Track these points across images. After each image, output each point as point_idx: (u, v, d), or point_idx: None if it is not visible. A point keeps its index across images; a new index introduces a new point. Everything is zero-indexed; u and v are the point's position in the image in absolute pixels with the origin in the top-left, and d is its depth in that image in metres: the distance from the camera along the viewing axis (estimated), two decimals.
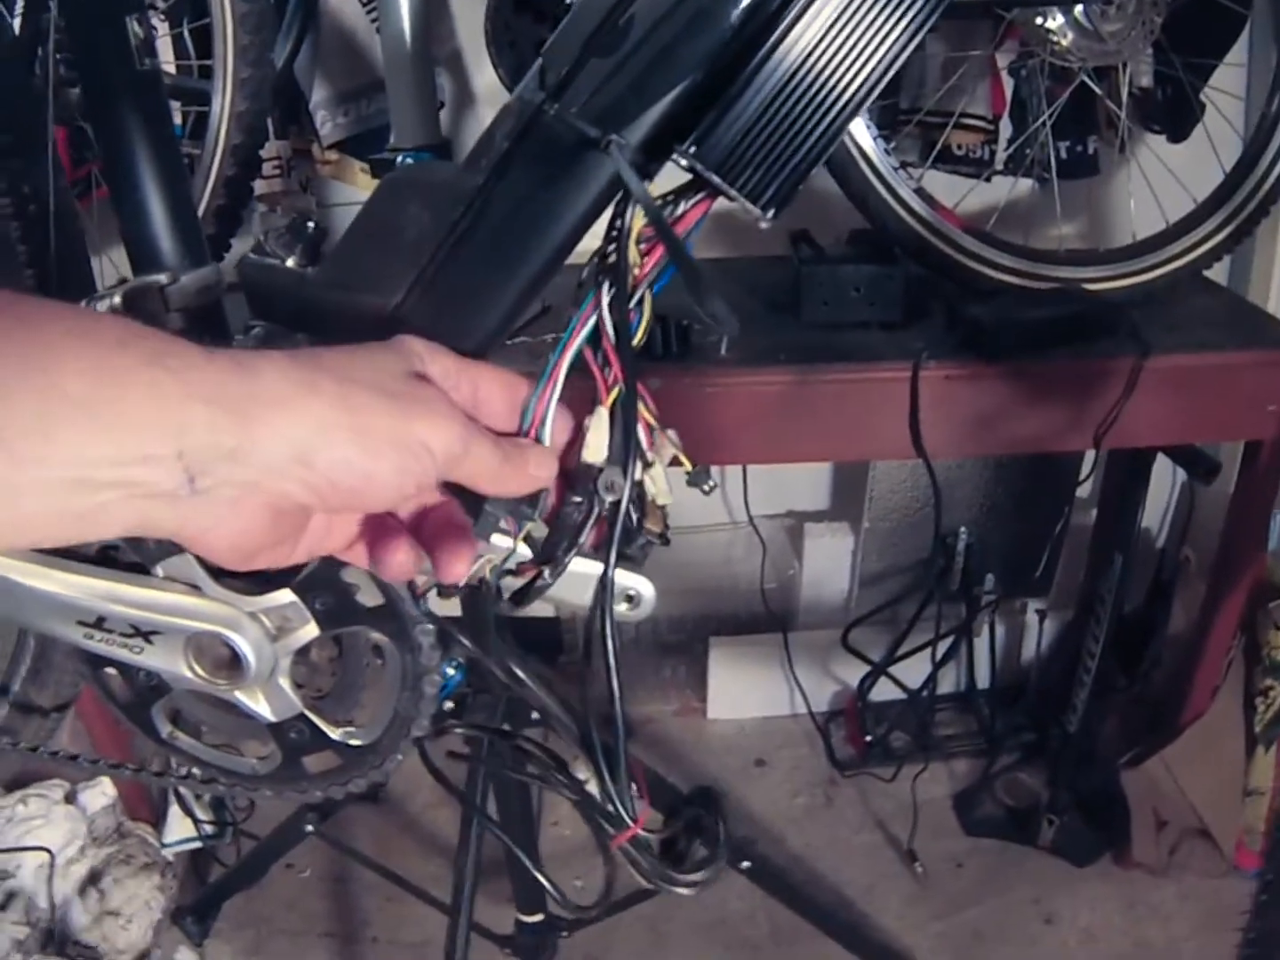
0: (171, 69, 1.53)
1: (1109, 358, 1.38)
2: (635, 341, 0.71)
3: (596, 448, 0.71)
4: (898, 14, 0.67)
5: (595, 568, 0.70)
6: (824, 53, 0.66)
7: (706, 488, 0.76)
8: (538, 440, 0.68)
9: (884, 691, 1.98)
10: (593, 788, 0.75)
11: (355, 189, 1.74)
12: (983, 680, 1.98)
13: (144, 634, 0.76)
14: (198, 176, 1.43)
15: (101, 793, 1.85)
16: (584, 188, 0.69)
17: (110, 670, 0.86)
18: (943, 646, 1.89)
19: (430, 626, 0.75)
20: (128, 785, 1.84)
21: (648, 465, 0.71)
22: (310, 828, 1.57)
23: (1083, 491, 1.85)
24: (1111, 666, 1.73)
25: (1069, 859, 1.76)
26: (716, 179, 0.67)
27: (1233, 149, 1.48)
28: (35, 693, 0.99)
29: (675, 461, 0.74)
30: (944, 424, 1.40)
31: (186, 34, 1.51)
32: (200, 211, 1.42)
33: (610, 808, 0.73)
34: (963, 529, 1.86)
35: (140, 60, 0.77)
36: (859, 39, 0.66)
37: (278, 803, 1.83)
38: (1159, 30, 1.34)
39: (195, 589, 0.77)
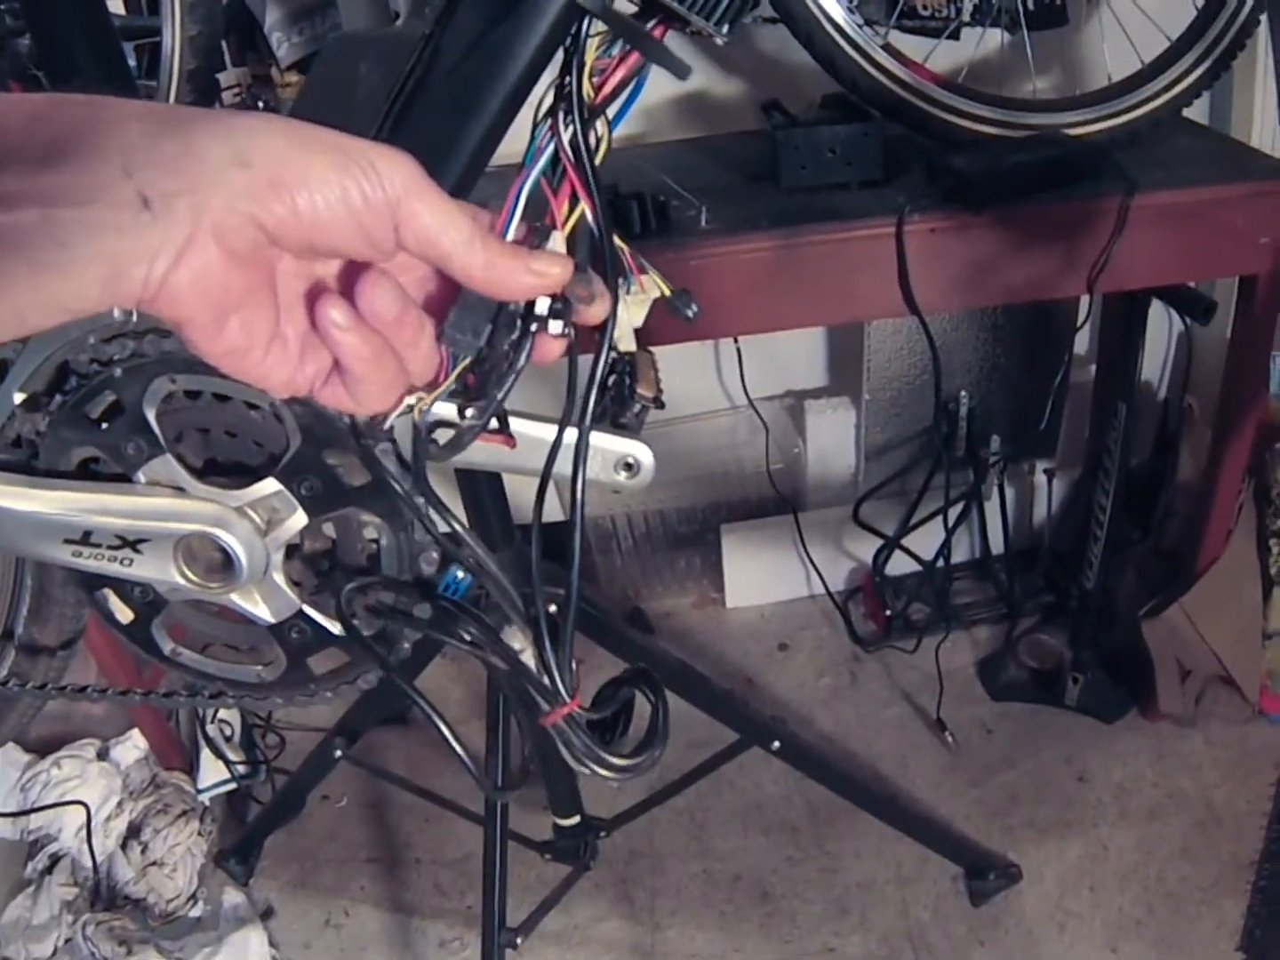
0: (120, 8, 1.48)
1: (1096, 198, 1.33)
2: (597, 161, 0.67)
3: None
4: None
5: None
6: None
7: (690, 313, 0.72)
8: None
9: (899, 565, 1.95)
10: (528, 658, 0.68)
11: None
12: (997, 545, 1.95)
13: (132, 543, 0.73)
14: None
15: (133, 746, 1.84)
16: (535, 21, 0.65)
17: (108, 592, 0.83)
18: (954, 514, 1.86)
19: (420, 500, 0.71)
20: (157, 736, 1.83)
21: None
22: (339, 753, 1.55)
23: (1081, 346, 1.81)
24: (1124, 520, 1.69)
25: (1097, 716, 1.75)
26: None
27: None
28: (39, 632, 0.96)
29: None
30: (934, 278, 1.36)
31: None
32: None
33: (546, 681, 0.65)
34: (963, 393, 1.82)
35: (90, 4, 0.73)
36: None
37: (307, 735, 1.85)
38: None
39: (179, 490, 0.73)
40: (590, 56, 0.66)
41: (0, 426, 0.76)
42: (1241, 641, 1.63)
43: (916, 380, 1.88)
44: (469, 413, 0.57)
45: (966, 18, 1.52)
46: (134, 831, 1.75)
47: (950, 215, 1.33)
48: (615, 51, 0.66)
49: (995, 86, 1.50)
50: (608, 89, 0.67)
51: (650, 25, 0.66)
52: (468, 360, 0.56)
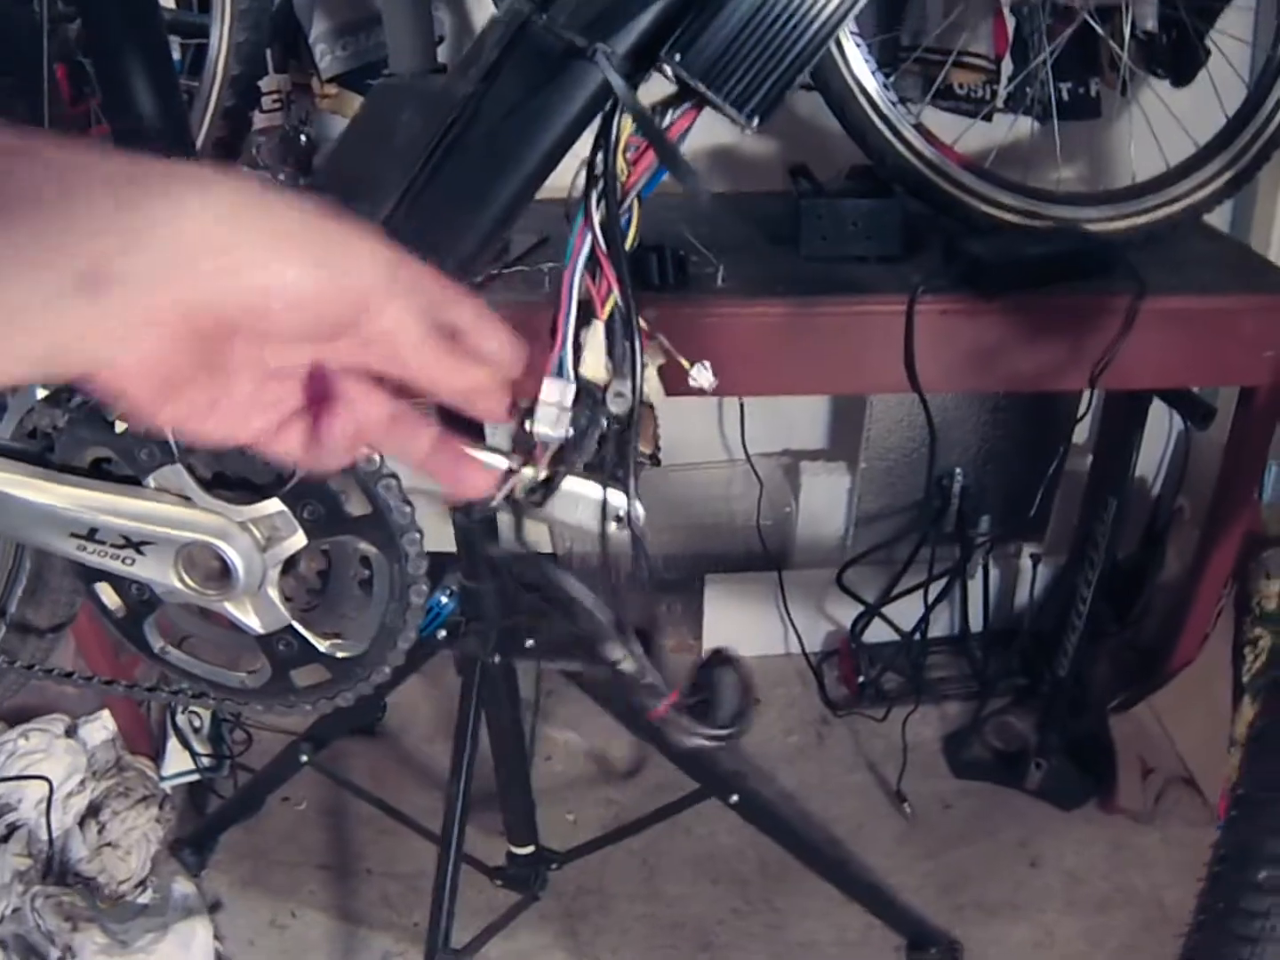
0: (170, 3, 1.53)
1: (1106, 295, 1.37)
2: (627, 245, 0.73)
3: (595, 364, 0.74)
4: None
5: (588, 487, 0.74)
6: None
7: (708, 385, 0.79)
8: (559, 372, 0.72)
9: (877, 632, 1.99)
10: (628, 666, 0.82)
11: None
12: (976, 623, 1.99)
13: (135, 545, 0.77)
14: (196, 108, 1.42)
15: (102, 727, 1.87)
16: (571, 96, 0.70)
17: (104, 585, 0.87)
18: (937, 588, 1.90)
19: (417, 535, 0.76)
20: (127, 720, 1.86)
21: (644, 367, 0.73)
22: (305, 758, 1.59)
23: (1079, 437, 1.85)
24: (1104, 611, 1.74)
25: (1055, 803, 1.78)
26: (701, 86, 0.68)
27: (1236, 93, 1.47)
28: (32, 613, 1.00)
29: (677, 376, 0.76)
30: (939, 359, 1.40)
31: None
32: (199, 143, 1.42)
33: (648, 682, 0.82)
34: (958, 470, 1.87)
35: None
36: None
37: (275, 736, 1.88)
38: None
39: (185, 500, 0.77)
40: (625, 132, 0.71)
41: (20, 418, 0.80)
42: (1207, 745, 1.67)
43: (913, 453, 1.93)
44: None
45: (1000, 103, 1.58)
46: (93, 811, 1.78)
47: (962, 299, 1.37)
48: (665, 121, 0.71)
49: (1021, 171, 1.55)
50: (641, 170, 0.72)
51: (683, 108, 0.71)
52: (555, 447, 0.73)
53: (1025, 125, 1.59)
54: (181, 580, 0.78)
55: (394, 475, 0.74)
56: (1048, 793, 1.78)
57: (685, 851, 1.77)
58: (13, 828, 1.78)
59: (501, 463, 0.77)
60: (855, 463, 1.95)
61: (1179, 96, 1.54)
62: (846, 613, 2.00)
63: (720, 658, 0.93)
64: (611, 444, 0.79)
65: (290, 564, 0.80)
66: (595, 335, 0.74)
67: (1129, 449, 1.59)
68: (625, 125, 0.71)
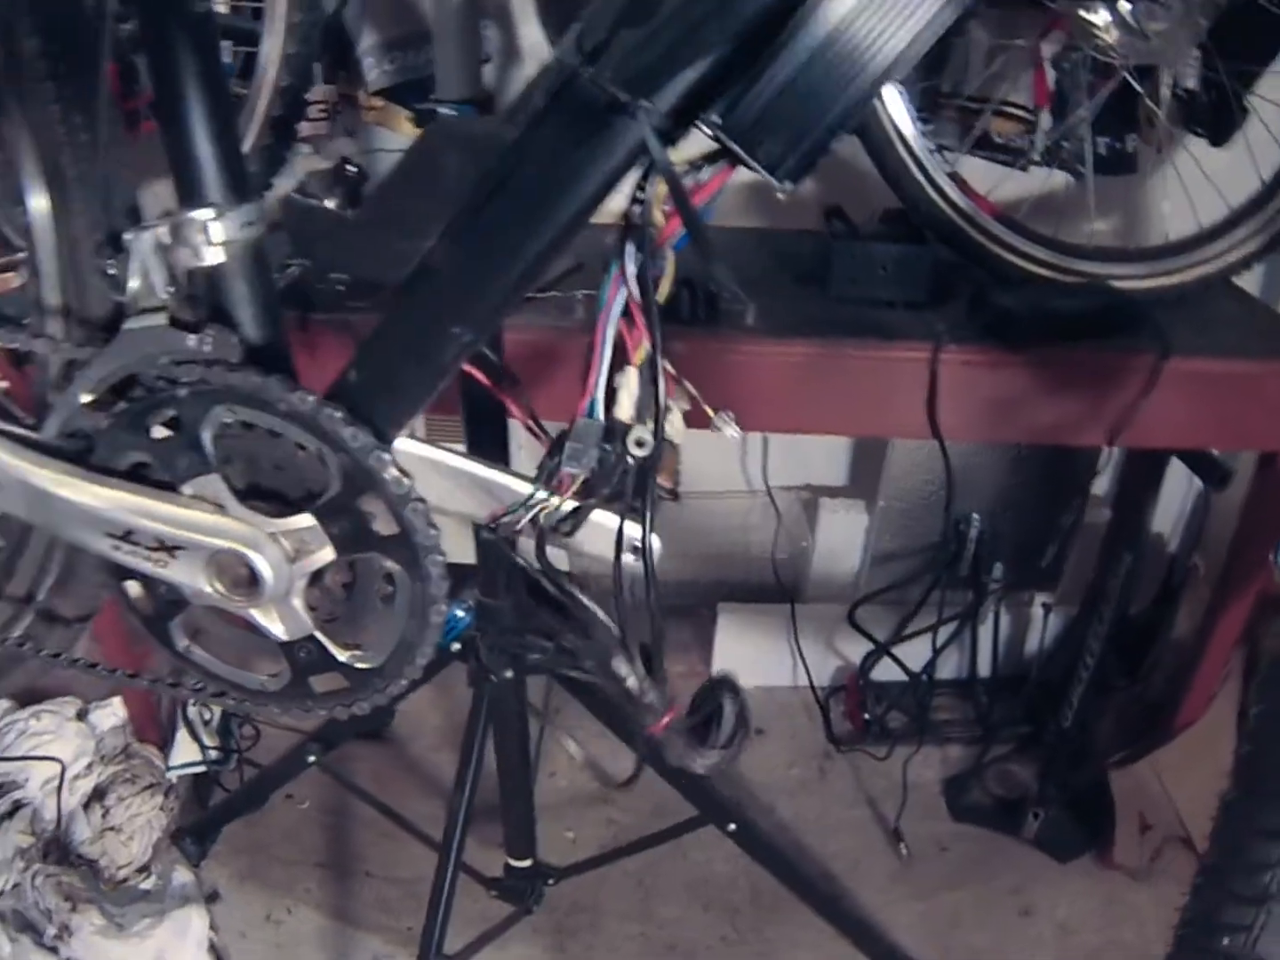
0: (223, 9, 1.57)
1: (1130, 354, 1.40)
2: (659, 298, 0.78)
3: (627, 405, 0.79)
4: None
5: (609, 518, 0.78)
6: (851, 30, 0.68)
7: (733, 433, 0.84)
8: (591, 413, 0.78)
9: (886, 671, 2.02)
10: (632, 683, 0.88)
11: (399, 135, 1.79)
12: (984, 668, 2.02)
13: (169, 548, 0.82)
14: (244, 115, 1.47)
15: (112, 713, 1.92)
16: (610, 149, 0.73)
17: (132, 583, 0.91)
18: (947, 631, 1.93)
19: (440, 557, 0.80)
20: (138, 708, 1.91)
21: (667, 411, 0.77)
22: (313, 758, 1.63)
23: (1098, 489, 1.88)
24: (1112, 665, 1.76)
25: (1051, 853, 1.80)
26: (737, 148, 0.71)
27: (1271, 156, 1.50)
28: (60, 603, 1.04)
29: (700, 419, 0.81)
30: (961, 407, 1.43)
31: None
32: (245, 149, 1.47)
33: (648, 699, 0.88)
34: (975, 516, 1.90)
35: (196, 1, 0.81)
36: (886, 17, 0.69)
37: (281, 733, 1.93)
38: (1205, 34, 1.36)
39: (220, 508, 0.82)
40: (662, 187, 0.75)
41: (63, 420, 0.84)
42: (1207, 806, 1.68)
43: (932, 496, 1.96)
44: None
45: (1037, 156, 1.61)
46: (99, 794, 1.82)
47: (986, 350, 1.40)
48: (702, 176, 0.75)
49: (1053, 224, 1.58)
50: (676, 224, 0.76)
51: (718, 166, 0.75)
52: (582, 478, 0.80)
53: (1059, 178, 1.62)
54: (211, 585, 0.82)
55: (422, 500, 0.78)
56: (1044, 843, 1.80)
57: (680, 876, 1.81)
58: (17, 805, 1.82)
59: (525, 489, 0.82)
60: (874, 501, 1.99)
61: (1213, 156, 1.56)
62: (856, 649, 2.03)
63: (722, 683, 0.98)
64: (633, 478, 0.84)
65: (316, 576, 0.84)
66: (629, 380, 0.79)
67: (1145, 505, 1.62)
68: (662, 181, 0.75)
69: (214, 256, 0.81)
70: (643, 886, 1.80)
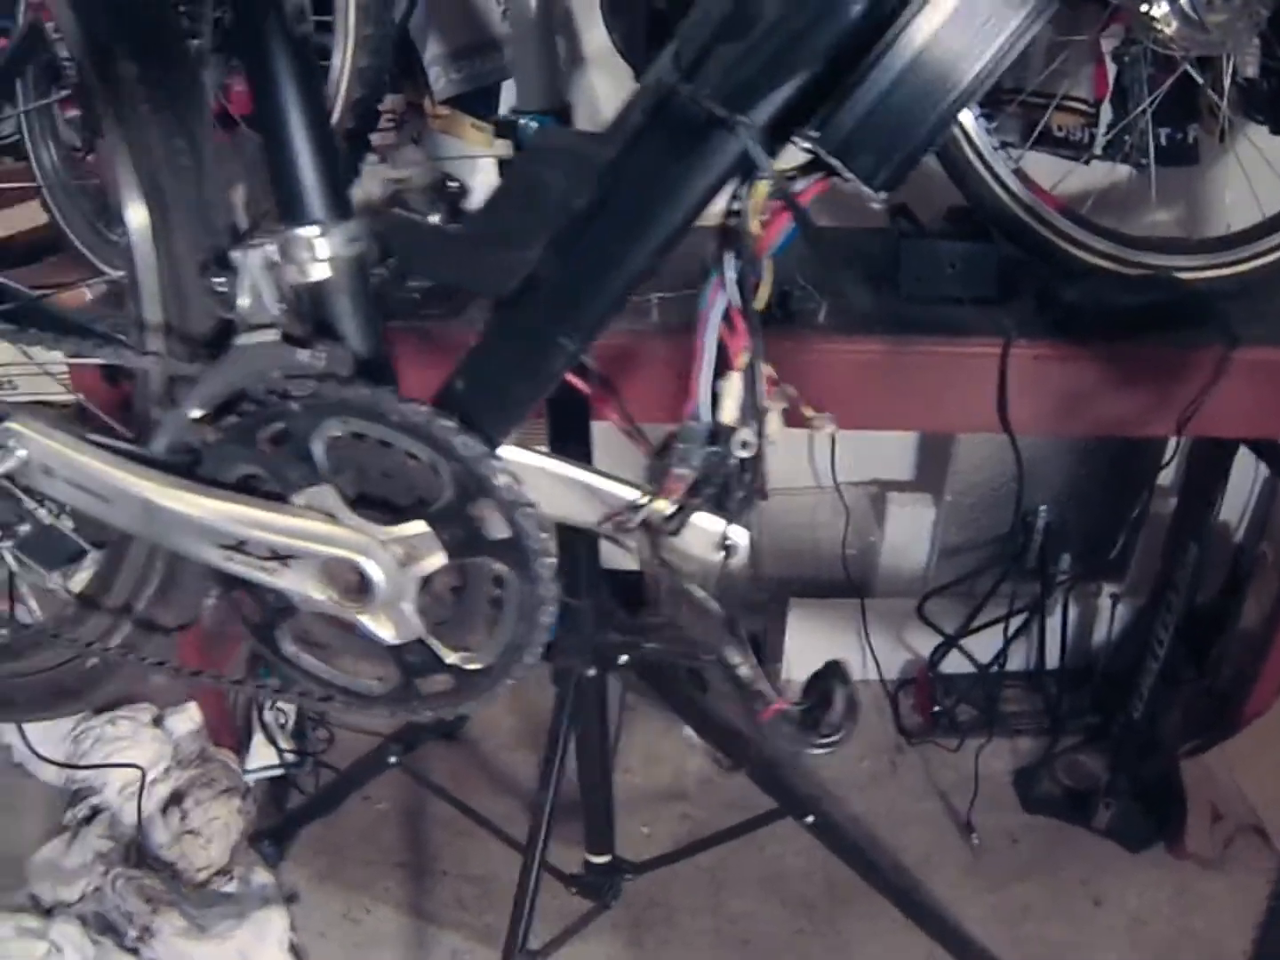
0: None
1: (1197, 347, 1.40)
2: (758, 304, 0.80)
3: (731, 408, 0.82)
4: (1012, 9, 0.71)
5: (710, 520, 0.84)
6: (940, 46, 0.71)
7: (830, 430, 0.91)
8: (696, 416, 0.81)
9: (954, 664, 2.03)
10: (744, 671, 0.91)
11: (465, 143, 1.82)
12: (1052, 660, 2.03)
13: (281, 557, 0.84)
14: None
15: (188, 718, 1.96)
16: (710, 165, 0.76)
17: (242, 593, 0.94)
18: (1015, 624, 1.94)
19: (550, 560, 0.82)
20: (213, 712, 1.95)
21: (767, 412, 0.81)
22: (394, 759, 1.67)
23: (1164, 479, 1.88)
24: (1180, 656, 1.76)
25: (1122, 843, 1.81)
26: (835, 162, 0.73)
27: None
28: (160, 612, 1.07)
29: (797, 419, 0.85)
30: (1030, 402, 1.43)
31: None
32: None
33: (759, 687, 0.91)
34: (1042, 507, 1.91)
35: (296, 26, 0.84)
36: (974, 34, 0.71)
37: (356, 736, 1.96)
38: (1265, 23, 1.37)
39: (331, 517, 0.85)
40: (760, 198, 0.78)
41: (172, 435, 0.87)
42: (1278, 794, 1.69)
43: (999, 489, 1.97)
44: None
45: (1099, 150, 1.62)
46: (176, 798, 1.86)
47: (1055, 345, 1.41)
48: (797, 187, 0.77)
49: (1116, 217, 1.59)
50: (774, 234, 0.78)
51: (815, 178, 0.77)
52: (691, 480, 0.82)
53: (1122, 171, 1.62)
54: (323, 592, 0.85)
55: (532, 504, 0.80)
56: (1115, 833, 1.81)
57: (754, 870, 1.83)
58: (96, 810, 1.87)
59: (631, 492, 0.85)
60: (941, 496, 2.00)
61: (1275, 145, 1.57)
62: (925, 643, 2.05)
63: (832, 671, 1.02)
64: (735, 479, 0.87)
65: (425, 580, 0.86)
66: (732, 385, 0.82)
67: (1212, 494, 1.63)
68: (761, 191, 0.78)
69: (320, 272, 0.83)
70: (716, 881, 1.82)
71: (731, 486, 0.84)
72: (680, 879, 1.79)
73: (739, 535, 0.84)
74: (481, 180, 1.91)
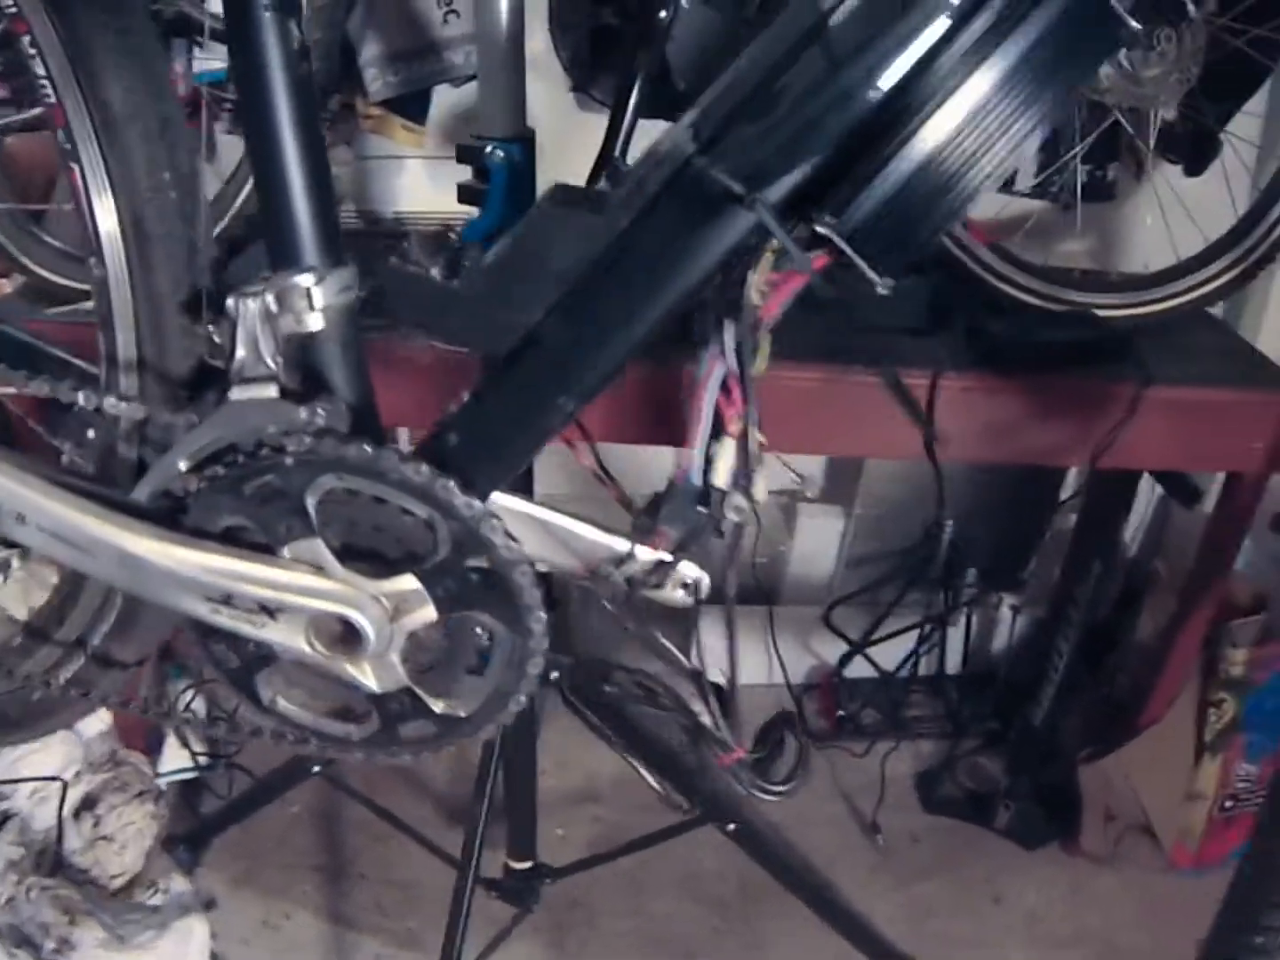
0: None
1: (1114, 383, 1.46)
2: (755, 372, 0.81)
3: (724, 473, 0.83)
4: (1025, 109, 0.73)
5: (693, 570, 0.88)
6: (954, 147, 0.72)
7: (810, 494, 0.92)
8: (689, 478, 0.82)
9: (859, 670, 2.08)
10: (705, 719, 0.97)
11: (394, 143, 1.78)
12: (953, 666, 2.09)
13: (269, 611, 0.82)
14: None
15: (99, 720, 1.89)
16: (722, 238, 0.76)
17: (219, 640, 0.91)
18: (920, 632, 1.99)
19: (543, 614, 0.82)
20: (123, 715, 1.88)
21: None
22: (317, 768, 1.64)
23: (1066, 495, 1.95)
24: (1079, 666, 1.83)
25: (1020, 842, 1.88)
26: (849, 250, 0.74)
27: (1244, 191, 1.57)
28: (118, 648, 1.03)
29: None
30: (956, 431, 1.48)
31: None
32: None
33: (720, 735, 0.96)
34: (949, 522, 1.95)
35: (297, 65, 0.81)
36: (986, 136, 0.72)
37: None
38: (1195, 80, 1.41)
39: (320, 570, 0.83)
40: (764, 272, 0.78)
41: (157, 484, 0.84)
42: (1167, 798, 1.78)
43: (906, 502, 2.01)
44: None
45: (1027, 189, 1.66)
46: (88, 804, 1.80)
47: (982, 377, 1.45)
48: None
49: (1037, 244, 1.63)
50: (776, 304, 0.79)
51: (817, 254, 0.78)
52: (679, 536, 0.85)
53: (1045, 206, 1.67)
54: (310, 645, 0.84)
55: (531, 562, 0.80)
56: (1014, 833, 1.87)
57: (671, 871, 1.84)
58: (5, 816, 1.80)
59: (620, 544, 0.85)
60: (850, 508, 2.03)
61: (1190, 187, 1.62)
62: (831, 650, 2.09)
63: (784, 720, 1.05)
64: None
65: (413, 631, 0.85)
66: (726, 450, 0.83)
67: (1118, 519, 1.69)
68: (765, 264, 0.78)
69: (315, 323, 0.81)
70: (635, 882, 1.83)
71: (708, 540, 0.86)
72: (599, 881, 1.80)
73: (702, 577, 0.88)
74: (408, 183, 1.88)
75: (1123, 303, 1.55)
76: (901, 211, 0.73)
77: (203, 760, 1.90)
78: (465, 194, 1.22)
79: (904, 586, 1.98)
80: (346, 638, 0.84)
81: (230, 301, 0.79)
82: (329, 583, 0.82)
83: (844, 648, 2.05)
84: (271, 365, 0.79)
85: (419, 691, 0.87)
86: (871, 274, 0.75)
